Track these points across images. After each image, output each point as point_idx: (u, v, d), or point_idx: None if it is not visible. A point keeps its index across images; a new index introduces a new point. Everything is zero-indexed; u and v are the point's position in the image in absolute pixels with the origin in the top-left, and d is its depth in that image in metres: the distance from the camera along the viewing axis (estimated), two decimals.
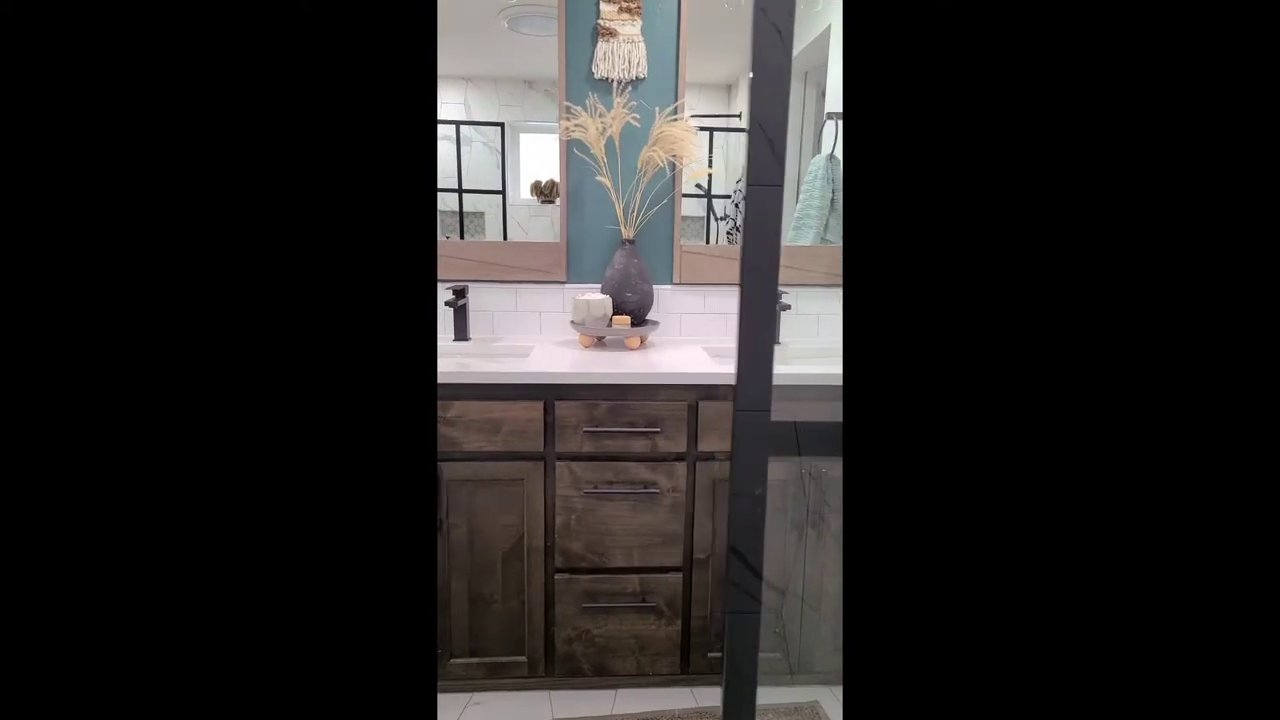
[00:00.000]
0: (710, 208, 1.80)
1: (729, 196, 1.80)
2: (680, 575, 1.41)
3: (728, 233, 1.79)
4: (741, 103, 1.75)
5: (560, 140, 1.67)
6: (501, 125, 1.69)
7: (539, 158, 1.68)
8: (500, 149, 1.71)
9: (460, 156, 1.71)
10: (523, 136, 1.69)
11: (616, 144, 1.63)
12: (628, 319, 1.59)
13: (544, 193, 1.74)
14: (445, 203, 1.73)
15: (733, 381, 1.32)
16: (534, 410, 1.32)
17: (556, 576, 1.39)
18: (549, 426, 1.34)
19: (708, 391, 1.35)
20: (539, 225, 1.75)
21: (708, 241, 1.80)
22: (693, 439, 1.36)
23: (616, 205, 1.66)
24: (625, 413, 1.33)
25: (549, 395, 1.33)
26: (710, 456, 1.37)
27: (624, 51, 1.61)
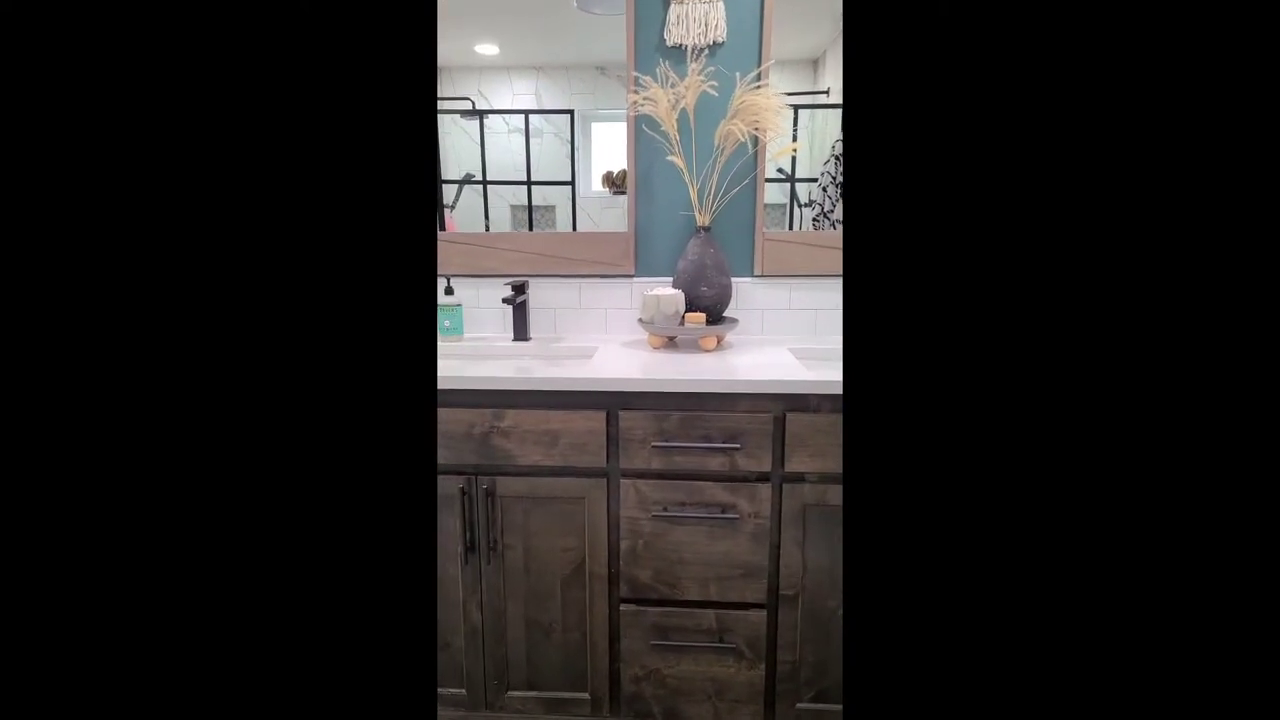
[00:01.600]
0: (793, 193, 1.58)
1: (815, 180, 1.58)
2: (764, 613, 1.22)
3: (814, 219, 1.57)
4: (830, 78, 1.53)
5: (628, 117, 1.50)
6: (571, 112, 1.56)
7: (611, 147, 1.56)
8: (570, 139, 1.57)
9: (529, 148, 1.59)
10: (594, 125, 1.56)
11: (691, 118, 1.44)
12: (703, 316, 1.40)
13: (615, 183, 1.60)
14: (515, 195, 1.61)
15: (826, 391, 1.13)
16: (595, 421, 1.17)
17: (622, 607, 1.23)
18: (612, 439, 1.18)
19: (797, 402, 1.15)
20: (610, 217, 1.60)
21: (790, 229, 1.59)
22: (779, 457, 1.17)
23: (690, 188, 1.48)
24: (700, 425, 1.16)
25: (612, 404, 1.17)
26: (799, 478, 1.18)
27: (700, 13, 1.43)
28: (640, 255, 1.58)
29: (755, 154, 1.50)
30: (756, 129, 1.38)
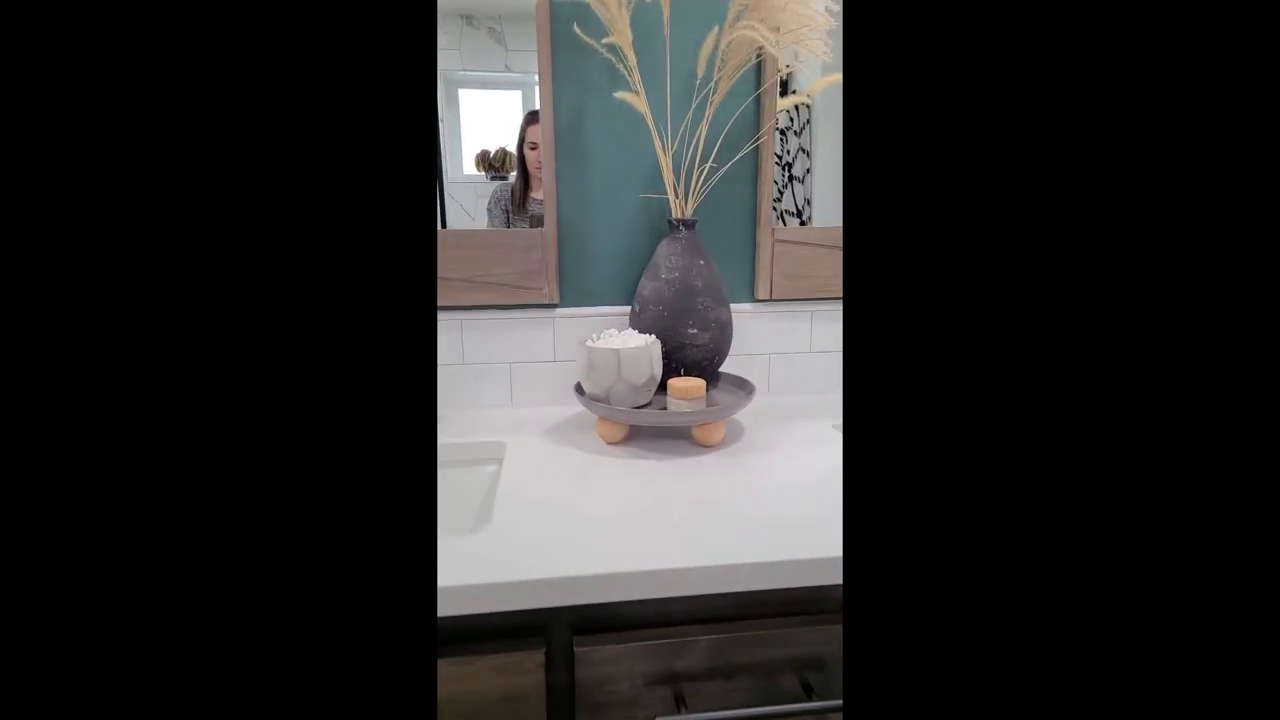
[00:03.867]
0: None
1: None
2: None
3: None
4: None
5: (538, 8, 0.83)
6: None
7: (486, 120, 1.05)
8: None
9: None
10: (462, 93, 1.00)
11: (665, 19, 0.80)
12: (700, 385, 0.77)
13: (494, 166, 1.01)
14: None
15: None
16: (523, 673, 0.51)
17: None
18: (560, 711, 0.53)
19: None
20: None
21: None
22: None
23: (660, 152, 0.84)
24: (750, 653, 0.53)
25: (558, 622, 0.52)
26: None
27: None
28: (567, 270, 0.91)
29: (759, 96, 0.89)
30: (772, 37, 0.76)
